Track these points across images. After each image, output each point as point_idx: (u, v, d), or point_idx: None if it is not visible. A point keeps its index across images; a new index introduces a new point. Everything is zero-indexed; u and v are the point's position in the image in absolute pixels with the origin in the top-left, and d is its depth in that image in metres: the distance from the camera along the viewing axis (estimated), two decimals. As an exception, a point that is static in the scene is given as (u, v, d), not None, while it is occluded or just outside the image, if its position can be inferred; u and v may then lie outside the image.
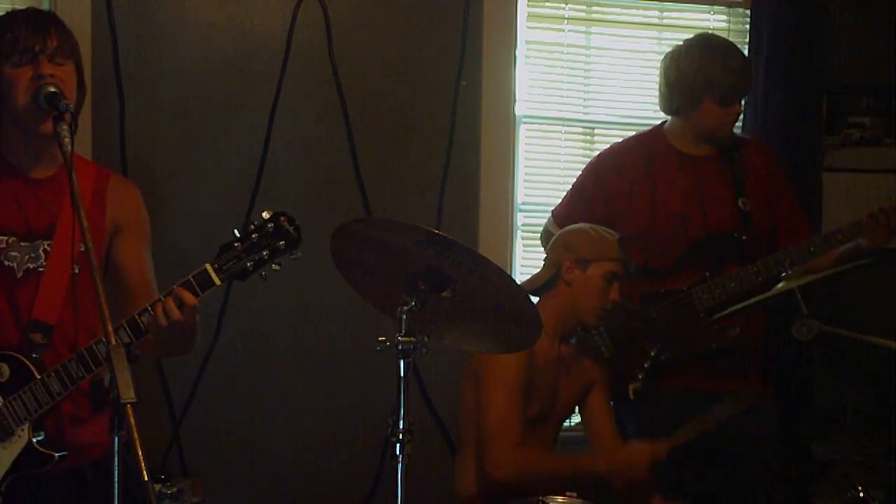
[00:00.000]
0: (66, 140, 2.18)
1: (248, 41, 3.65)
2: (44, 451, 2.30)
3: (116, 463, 2.02)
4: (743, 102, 3.33)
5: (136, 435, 1.84)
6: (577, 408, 3.23)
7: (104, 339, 2.05)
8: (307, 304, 3.68)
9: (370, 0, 3.76)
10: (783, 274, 3.13)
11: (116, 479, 2.03)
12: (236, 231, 2.24)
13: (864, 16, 4.17)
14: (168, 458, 3.56)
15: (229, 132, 3.64)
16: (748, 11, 4.09)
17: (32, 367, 2.28)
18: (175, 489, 3.29)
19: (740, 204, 3.28)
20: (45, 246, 2.36)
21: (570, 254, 3.06)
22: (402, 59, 3.79)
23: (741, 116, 3.50)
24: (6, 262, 2.33)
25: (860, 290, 3.34)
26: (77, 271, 2.34)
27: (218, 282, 2.23)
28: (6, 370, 2.28)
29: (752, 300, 3.15)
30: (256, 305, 3.63)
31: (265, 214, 2.24)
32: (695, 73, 3.25)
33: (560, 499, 2.79)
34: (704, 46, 3.31)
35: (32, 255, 2.35)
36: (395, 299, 2.30)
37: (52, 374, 2.26)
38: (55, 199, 2.38)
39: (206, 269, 2.22)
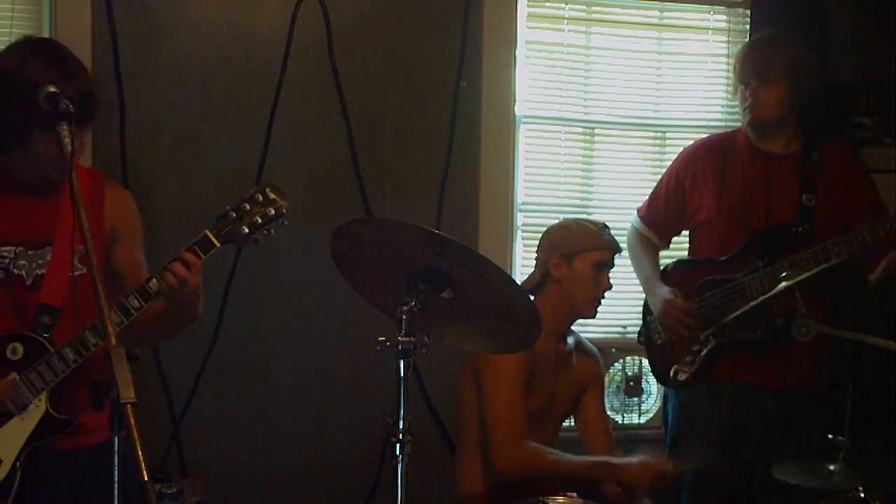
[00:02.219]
0: (67, 141, 2.19)
1: (248, 41, 3.65)
2: (61, 417, 2.41)
3: (116, 462, 2.04)
4: (767, 86, 3.33)
5: (136, 435, 1.85)
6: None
7: (115, 307, 2.34)
8: (307, 304, 3.68)
9: (370, 0, 3.76)
10: (783, 274, 3.14)
11: (116, 479, 2.05)
12: (228, 206, 2.46)
13: (863, 16, 4.16)
14: (168, 457, 3.56)
15: (229, 132, 3.64)
16: (748, 11, 4.09)
17: (45, 343, 2.40)
18: (175, 489, 3.30)
19: (804, 199, 3.32)
20: (49, 251, 2.47)
21: (554, 251, 3.09)
22: (402, 59, 3.79)
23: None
24: (15, 271, 2.44)
25: (860, 290, 3.33)
26: (85, 271, 2.44)
27: (217, 243, 2.42)
28: (20, 348, 2.40)
29: (752, 302, 3.16)
30: (256, 305, 3.63)
31: (254, 189, 2.47)
32: (735, 60, 3.44)
33: (560, 499, 2.79)
34: (751, 39, 3.51)
35: (40, 262, 2.46)
36: (396, 299, 2.30)
37: (67, 344, 2.37)
38: (57, 204, 2.48)
39: (205, 234, 2.42)
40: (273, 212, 2.46)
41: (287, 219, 2.49)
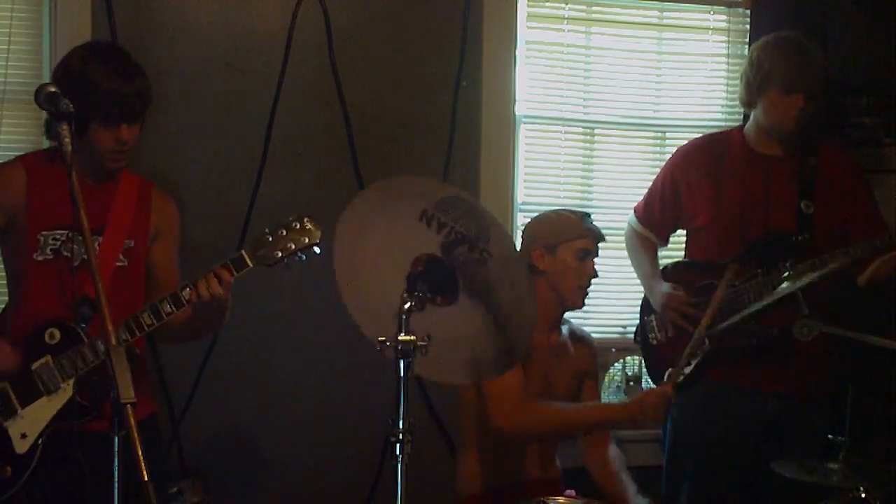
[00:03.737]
0: (67, 140, 2.20)
1: (248, 41, 3.65)
2: (84, 402, 2.62)
3: (116, 462, 2.06)
4: (809, 99, 3.29)
5: (135, 435, 1.86)
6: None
7: (148, 308, 2.61)
8: (307, 304, 3.67)
9: (370, 0, 3.76)
10: (785, 275, 3.14)
11: (116, 479, 2.07)
12: (267, 228, 2.66)
13: (864, 16, 4.16)
14: (168, 457, 3.56)
15: (229, 132, 3.64)
16: (748, 11, 4.10)
17: (81, 333, 2.62)
18: (175, 489, 3.30)
19: (802, 206, 3.30)
20: (99, 241, 2.72)
21: (537, 242, 3.09)
22: (402, 59, 3.79)
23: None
24: (65, 253, 2.68)
25: (860, 289, 3.33)
26: (126, 264, 2.75)
27: (251, 264, 2.65)
28: (58, 334, 2.63)
29: (756, 306, 3.16)
30: (256, 305, 3.63)
31: (292, 217, 2.67)
32: (761, 62, 3.33)
33: (561, 499, 2.79)
34: (776, 39, 3.38)
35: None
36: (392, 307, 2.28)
37: (100, 337, 2.55)
38: (109, 201, 2.77)
39: (241, 255, 2.65)
40: (307, 241, 2.65)
41: (319, 249, 2.65)
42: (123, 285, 2.74)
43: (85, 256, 2.60)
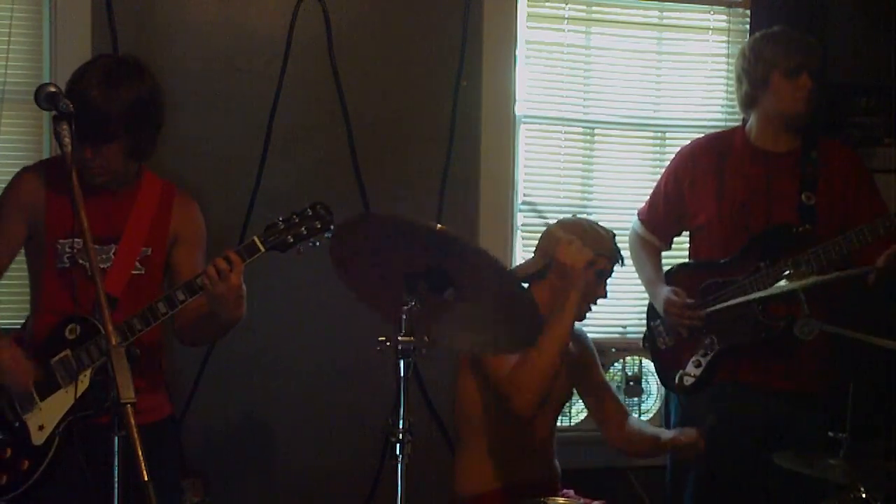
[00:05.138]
0: (67, 140, 2.21)
1: (248, 41, 3.65)
2: (100, 393, 2.60)
3: (116, 462, 2.06)
4: (812, 78, 3.30)
5: (135, 435, 1.86)
6: (574, 391, 3.26)
7: (163, 299, 2.62)
8: (307, 304, 3.68)
9: (370, 0, 3.76)
10: (785, 273, 3.13)
11: (116, 479, 2.07)
12: (280, 216, 2.68)
13: (864, 16, 4.16)
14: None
15: (229, 132, 3.64)
16: (748, 11, 4.09)
17: (99, 326, 2.62)
18: (175, 489, 3.29)
19: (803, 198, 3.31)
20: (115, 249, 2.75)
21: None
22: (402, 59, 3.79)
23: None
24: (80, 261, 2.69)
25: (861, 290, 3.33)
26: (143, 272, 2.76)
27: (262, 249, 2.66)
28: (78, 329, 2.67)
29: (753, 296, 3.16)
30: (256, 305, 3.61)
31: (306, 204, 2.69)
32: (758, 53, 3.35)
33: (561, 500, 2.79)
34: (765, 32, 3.43)
35: (103, 256, 2.72)
36: (394, 302, 2.29)
37: (115, 328, 2.52)
38: (126, 209, 2.78)
39: (253, 240, 2.66)
40: (319, 226, 2.66)
41: (331, 234, 2.65)
42: (140, 293, 2.74)
43: (101, 266, 2.69)
